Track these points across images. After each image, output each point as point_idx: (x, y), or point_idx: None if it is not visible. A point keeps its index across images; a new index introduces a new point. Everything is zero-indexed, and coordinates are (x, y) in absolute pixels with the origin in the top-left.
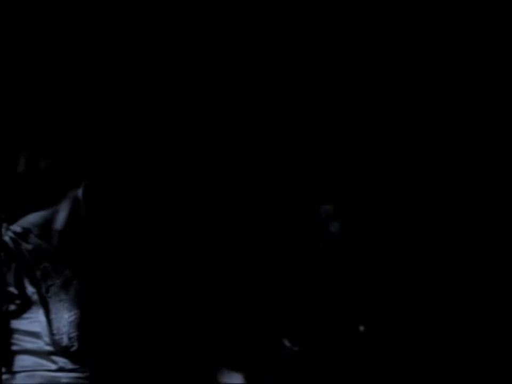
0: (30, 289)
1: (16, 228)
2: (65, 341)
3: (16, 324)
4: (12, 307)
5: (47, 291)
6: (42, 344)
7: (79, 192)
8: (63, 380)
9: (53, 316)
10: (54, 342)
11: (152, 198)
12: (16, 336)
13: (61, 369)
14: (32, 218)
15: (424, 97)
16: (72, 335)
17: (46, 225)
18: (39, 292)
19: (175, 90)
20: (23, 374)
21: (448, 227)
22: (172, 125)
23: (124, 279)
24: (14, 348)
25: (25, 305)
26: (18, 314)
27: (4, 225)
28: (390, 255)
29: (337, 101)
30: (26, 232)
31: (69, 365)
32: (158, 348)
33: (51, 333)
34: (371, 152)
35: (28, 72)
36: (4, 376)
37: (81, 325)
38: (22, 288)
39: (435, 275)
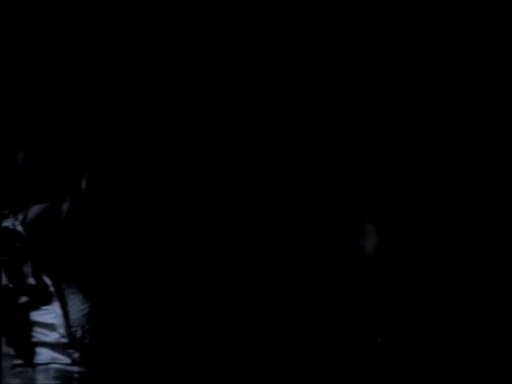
0: (46, 280)
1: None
2: (79, 333)
3: (31, 315)
4: (28, 298)
5: (62, 282)
6: (58, 336)
7: (82, 183)
8: (75, 375)
9: (69, 308)
10: (69, 334)
11: (153, 193)
12: (32, 327)
13: (74, 363)
14: (36, 210)
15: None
16: (86, 327)
17: (50, 217)
18: (55, 282)
19: (175, 90)
20: (38, 367)
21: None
22: (172, 125)
23: (126, 272)
24: (30, 339)
25: (42, 297)
26: (35, 305)
27: (14, 216)
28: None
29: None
30: (32, 223)
31: (81, 358)
32: (161, 344)
33: (67, 325)
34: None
35: (28, 71)
36: (20, 369)
37: (93, 317)
38: (39, 279)
39: (446, 279)
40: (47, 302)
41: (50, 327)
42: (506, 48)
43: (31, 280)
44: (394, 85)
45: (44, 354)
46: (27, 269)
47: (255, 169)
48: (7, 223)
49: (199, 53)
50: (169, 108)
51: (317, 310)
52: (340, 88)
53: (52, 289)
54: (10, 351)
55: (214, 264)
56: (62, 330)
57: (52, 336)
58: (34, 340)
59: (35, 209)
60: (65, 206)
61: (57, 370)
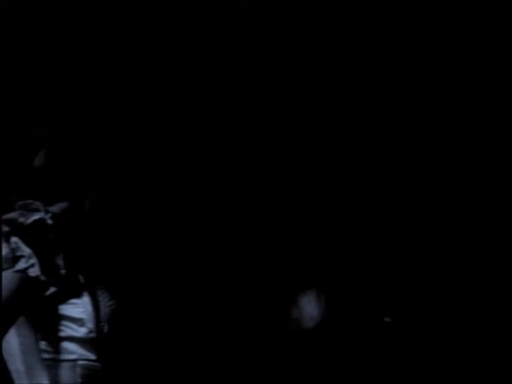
0: (77, 274)
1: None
2: (106, 329)
3: (61, 309)
4: (59, 290)
5: (91, 277)
6: (86, 331)
7: (102, 180)
8: (101, 372)
9: (98, 303)
10: (97, 329)
11: (167, 190)
12: (60, 321)
13: (100, 359)
14: (61, 206)
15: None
16: (112, 323)
17: (74, 213)
18: (85, 277)
19: (175, 90)
20: (66, 363)
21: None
22: (172, 125)
23: (147, 269)
24: (58, 334)
25: (73, 289)
26: (65, 298)
27: (45, 209)
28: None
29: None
30: (60, 218)
31: (107, 354)
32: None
33: (97, 320)
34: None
35: (35, 71)
36: (47, 363)
37: (118, 314)
38: (71, 272)
39: (437, 275)
40: (78, 295)
41: (79, 321)
42: (506, 48)
43: (63, 272)
44: (394, 86)
45: (71, 350)
46: (59, 261)
47: (255, 169)
48: (38, 215)
49: (199, 53)
50: (169, 109)
51: (317, 310)
52: (340, 88)
53: (82, 283)
54: (42, 345)
55: (215, 264)
56: (90, 325)
57: (81, 331)
58: (63, 334)
59: (60, 205)
60: (87, 203)
61: (84, 367)
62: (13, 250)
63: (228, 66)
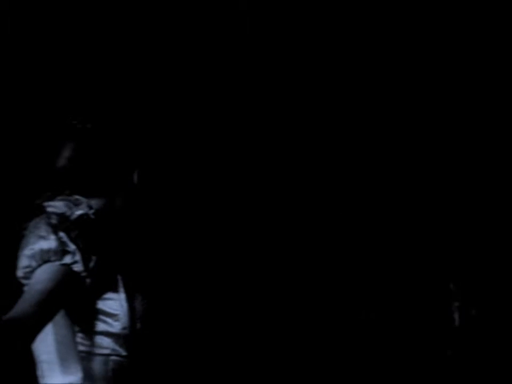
0: (116, 270)
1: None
2: (138, 326)
3: (98, 303)
4: (98, 286)
5: (129, 274)
6: (120, 327)
7: (134, 178)
8: (128, 370)
9: (134, 299)
10: (130, 325)
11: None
12: (97, 315)
13: (129, 356)
14: (95, 203)
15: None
16: (145, 321)
17: (103, 211)
18: (123, 273)
19: (176, 91)
20: (98, 357)
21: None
22: (172, 126)
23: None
24: (94, 328)
25: (110, 284)
26: (102, 293)
27: (88, 204)
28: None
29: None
30: (100, 214)
31: (138, 351)
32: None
33: (131, 316)
34: None
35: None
36: (82, 355)
37: (151, 312)
38: (110, 268)
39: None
40: (115, 290)
41: (115, 317)
42: (506, 48)
43: (102, 268)
44: (394, 86)
45: (105, 345)
46: (99, 256)
47: (256, 170)
48: (82, 210)
49: (199, 53)
50: (169, 110)
51: (317, 310)
52: (340, 88)
53: (120, 279)
54: (78, 338)
55: (218, 265)
56: (124, 321)
57: (115, 327)
58: (98, 328)
59: (99, 201)
60: (118, 201)
61: (114, 363)
62: (61, 244)
63: (228, 66)
